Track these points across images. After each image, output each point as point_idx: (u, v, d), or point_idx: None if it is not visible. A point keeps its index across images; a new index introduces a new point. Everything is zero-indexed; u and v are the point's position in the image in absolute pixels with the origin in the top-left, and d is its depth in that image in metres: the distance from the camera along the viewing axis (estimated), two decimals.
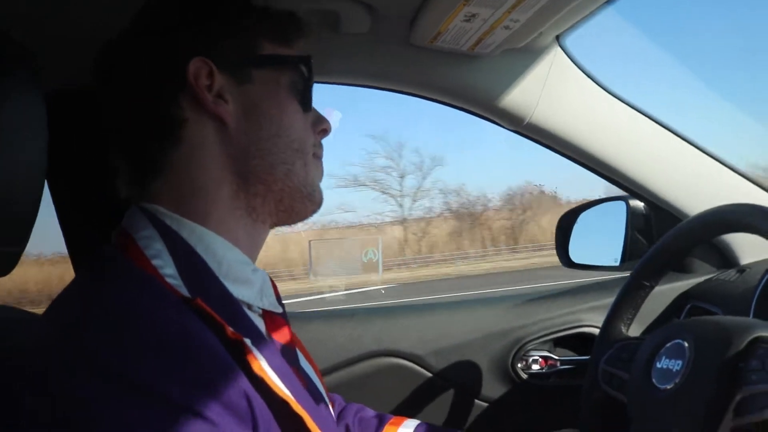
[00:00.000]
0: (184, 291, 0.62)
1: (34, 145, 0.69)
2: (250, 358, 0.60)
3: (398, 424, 1.00)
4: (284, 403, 0.61)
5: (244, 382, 0.58)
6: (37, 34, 0.88)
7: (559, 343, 1.36)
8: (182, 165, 0.70)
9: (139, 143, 0.72)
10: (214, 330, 0.59)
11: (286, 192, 0.73)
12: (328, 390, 0.91)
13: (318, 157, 0.79)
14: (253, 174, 0.72)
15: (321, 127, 0.80)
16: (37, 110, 0.69)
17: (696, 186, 1.27)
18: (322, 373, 0.87)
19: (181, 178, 0.70)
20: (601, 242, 1.50)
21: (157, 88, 0.70)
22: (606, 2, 1.03)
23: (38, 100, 0.69)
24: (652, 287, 1.00)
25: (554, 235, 1.49)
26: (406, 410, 1.10)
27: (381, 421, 1.00)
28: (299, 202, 0.75)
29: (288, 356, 0.73)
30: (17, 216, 0.69)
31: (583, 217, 1.49)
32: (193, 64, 0.69)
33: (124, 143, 0.73)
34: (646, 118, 1.25)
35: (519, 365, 1.33)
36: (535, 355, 1.33)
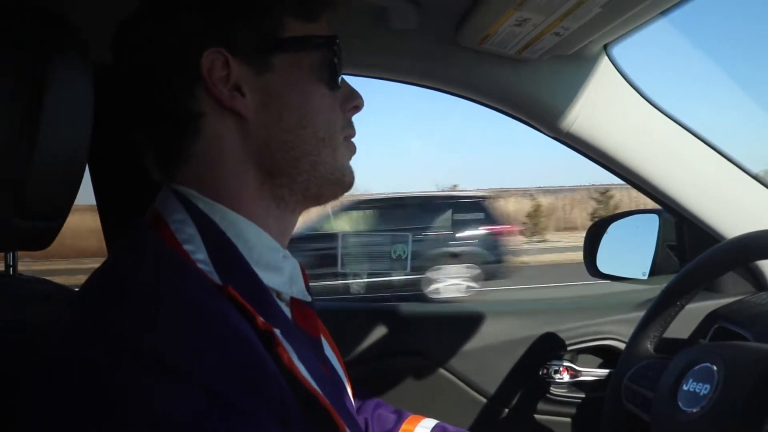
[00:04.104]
0: (216, 278, 0.61)
1: (79, 122, 0.70)
2: (279, 349, 0.60)
3: (416, 423, 1.00)
4: (312, 396, 0.61)
5: (275, 373, 0.58)
6: (85, 9, 0.88)
7: (582, 353, 1.36)
8: (204, 157, 0.68)
9: (160, 132, 0.70)
10: (245, 318, 0.59)
11: (313, 182, 0.71)
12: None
13: (349, 138, 0.75)
14: (276, 167, 0.69)
15: (352, 104, 0.75)
16: (85, 89, 0.70)
17: (734, 206, 1.25)
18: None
19: (205, 168, 0.68)
20: (630, 254, 1.49)
21: (170, 80, 0.67)
22: (659, 14, 1.01)
23: (87, 79, 0.69)
24: (683, 306, 0.99)
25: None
26: (424, 409, 1.11)
27: (399, 418, 1.00)
28: (328, 188, 0.73)
29: (315, 347, 0.73)
30: (58, 192, 0.70)
31: (614, 227, 1.47)
32: (206, 57, 0.65)
33: (146, 130, 0.71)
34: (688, 133, 1.23)
35: (541, 373, 1.33)
36: (558, 364, 1.33)
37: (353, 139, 0.77)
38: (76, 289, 0.66)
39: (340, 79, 0.73)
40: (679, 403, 0.82)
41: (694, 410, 0.79)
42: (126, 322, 0.53)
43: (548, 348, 1.34)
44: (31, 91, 0.63)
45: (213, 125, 0.68)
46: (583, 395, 1.33)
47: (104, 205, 1.18)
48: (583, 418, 1.33)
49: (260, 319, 0.60)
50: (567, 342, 1.34)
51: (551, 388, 1.33)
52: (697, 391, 0.80)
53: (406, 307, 1.41)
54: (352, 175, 0.75)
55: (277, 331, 0.61)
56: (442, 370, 1.35)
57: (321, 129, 0.70)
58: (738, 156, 1.24)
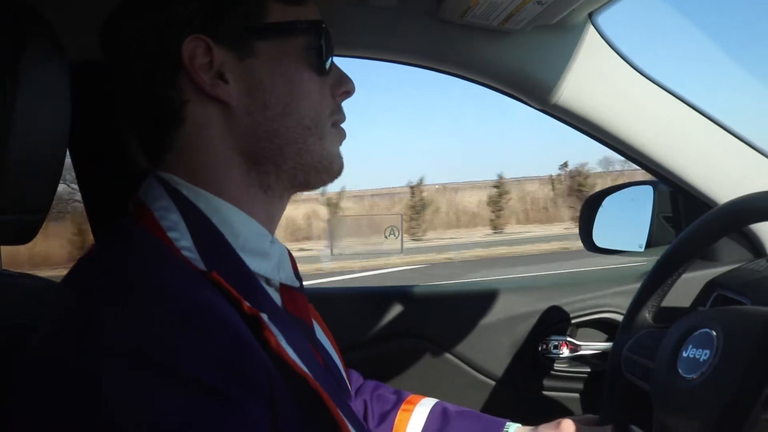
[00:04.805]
0: (200, 264, 0.61)
1: (56, 115, 0.68)
2: (267, 334, 0.59)
3: (415, 402, 1.00)
4: (301, 379, 0.60)
5: (263, 358, 0.57)
6: (63, 5, 0.87)
7: (582, 327, 1.35)
8: (189, 144, 0.68)
9: (145, 121, 0.70)
10: (231, 304, 0.58)
11: (300, 169, 0.71)
12: (347, 367, 0.91)
13: (338, 124, 0.74)
14: (262, 155, 0.69)
15: (342, 89, 0.74)
16: (60, 80, 0.69)
17: (727, 172, 1.23)
18: (342, 351, 0.87)
19: (189, 155, 0.68)
20: (625, 227, 1.48)
21: (152, 69, 0.67)
22: None
23: (62, 71, 0.68)
24: (679, 275, 0.98)
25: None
26: (424, 389, 1.10)
27: (399, 399, 1.00)
28: (314, 176, 0.72)
29: (305, 331, 0.73)
30: (38, 185, 0.68)
31: (609, 200, 1.46)
32: (187, 44, 0.65)
33: (131, 119, 0.71)
34: (678, 101, 1.21)
35: (540, 349, 1.32)
36: (557, 339, 1.32)
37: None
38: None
39: (329, 63, 0.72)
40: (679, 370, 0.81)
41: (695, 376, 0.78)
42: (112, 319, 0.52)
43: (553, 322, 1.33)
44: (2, 82, 0.61)
45: (197, 113, 0.67)
46: (588, 370, 1.33)
47: (90, 197, 1.17)
48: (590, 392, 1.33)
49: (246, 304, 0.59)
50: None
51: (554, 364, 1.32)
52: (697, 357, 0.79)
53: (404, 289, 1.40)
54: (341, 162, 0.74)
55: (264, 316, 0.60)
56: (442, 351, 1.34)
57: (307, 116, 0.69)
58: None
